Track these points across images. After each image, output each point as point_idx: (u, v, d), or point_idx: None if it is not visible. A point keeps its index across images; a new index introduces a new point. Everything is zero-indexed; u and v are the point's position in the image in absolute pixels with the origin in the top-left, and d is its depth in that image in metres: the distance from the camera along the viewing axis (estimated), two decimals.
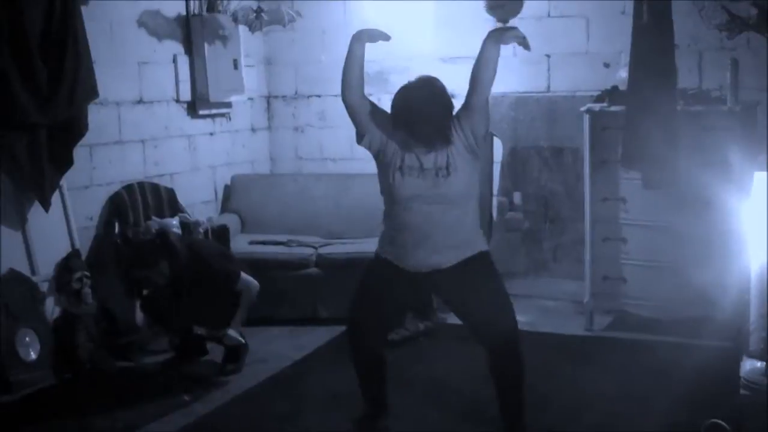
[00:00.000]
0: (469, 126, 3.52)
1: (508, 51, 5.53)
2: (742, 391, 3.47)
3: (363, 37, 3.57)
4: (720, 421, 3.43)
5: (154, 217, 5.69)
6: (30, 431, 4.20)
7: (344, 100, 3.60)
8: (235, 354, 4.96)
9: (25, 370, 4.70)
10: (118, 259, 5.37)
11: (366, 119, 3.60)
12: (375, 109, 3.63)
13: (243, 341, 4.91)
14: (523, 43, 3.52)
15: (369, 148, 3.64)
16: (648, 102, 4.83)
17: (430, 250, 3.56)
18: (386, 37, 3.62)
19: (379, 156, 3.62)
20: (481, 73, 3.50)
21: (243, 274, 4.86)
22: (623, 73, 5.39)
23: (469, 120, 3.52)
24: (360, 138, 3.64)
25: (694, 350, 4.84)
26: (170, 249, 4.74)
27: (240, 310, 4.86)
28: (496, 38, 3.47)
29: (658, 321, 5.26)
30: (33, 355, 4.77)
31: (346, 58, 3.57)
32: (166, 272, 4.72)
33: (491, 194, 6.49)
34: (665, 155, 4.84)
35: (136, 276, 4.84)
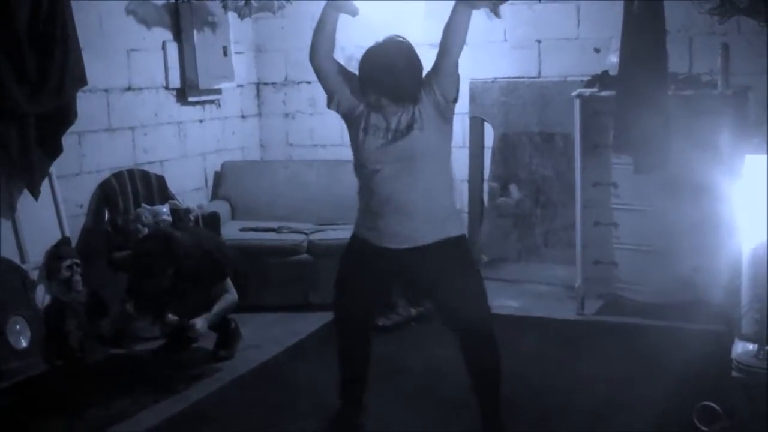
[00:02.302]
0: (439, 89, 3.48)
1: (498, 36, 5.50)
2: (734, 374, 3.47)
3: (336, 6, 3.56)
4: (712, 404, 3.44)
5: (144, 205, 5.67)
6: (21, 419, 4.18)
7: (313, 64, 3.59)
8: (228, 340, 4.95)
9: (16, 357, 4.68)
10: (109, 249, 5.35)
11: (334, 81, 3.58)
12: (343, 71, 3.61)
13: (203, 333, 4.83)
14: (495, 10, 3.50)
15: (338, 110, 3.62)
16: (639, 87, 4.82)
17: (401, 219, 3.52)
18: (355, 12, 3.60)
19: (348, 118, 3.61)
20: (450, 37, 3.46)
21: (228, 281, 4.83)
22: (614, 58, 5.39)
23: (439, 83, 3.49)
24: (330, 101, 3.63)
25: (686, 334, 4.85)
26: (176, 255, 4.63)
27: (212, 312, 4.79)
28: (467, 3, 3.45)
29: (650, 305, 5.27)
30: (24, 343, 4.75)
31: (318, 24, 3.56)
32: (171, 274, 4.64)
33: (482, 180, 6.50)
34: (656, 140, 4.85)
35: (141, 285, 4.74)
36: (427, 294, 3.88)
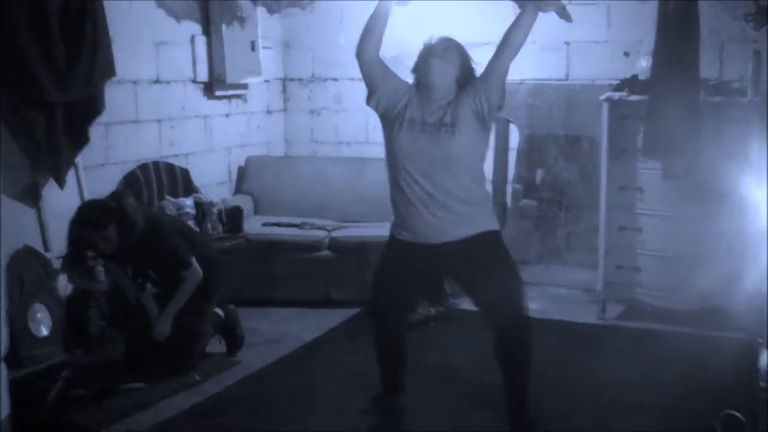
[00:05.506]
0: (485, 92, 3.49)
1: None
2: (761, 384, 3.42)
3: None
4: (736, 413, 3.40)
5: (168, 197, 5.70)
6: (40, 407, 4.18)
7: (360, 55, 3.60)
8: (231, 333, 4.94)
9: (37, 345, 4.72)
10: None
11: (378, 76, 3.61)
12: (387, 70, 3.65)
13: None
14: (564, 14, 3.51)
15: (377, 108, 3.64)
16: (671, 92, 4.78)
17: (432, 217, 3.53)
18: (404, 2, 3.66)
19: (385, 115, 3.63)
20: (511, 37, 3.47)
21: (194, 262, 4.61)
22: (643, 63, 5.35)
23: (486, 85, 3.50)
24: (369, 97, 3.65)
25: (709, 342, 4.82)
26: (123, 213, 4.41)
27: (178, 295, 4.63)
28: (535, 5, 3.47)
29: (672, 311, 5.23)
30: (45, 331, 4.79)
31: (372, 15, 3.57)
32: (114, 238, 4.41)
33: (506, 181, 6.47)
34: (687, 146, 4.80)
35: (80, 235, 4.46)
36: (465, 287, 3.88)
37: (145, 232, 4.49)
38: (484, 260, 3.61)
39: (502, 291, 3.62)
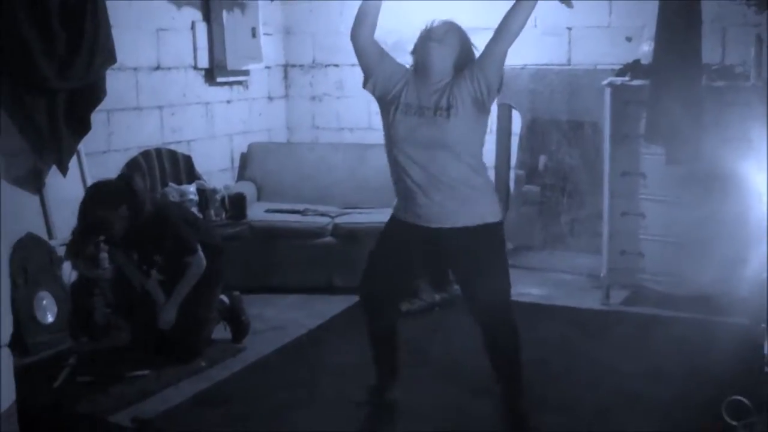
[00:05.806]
0: (483, 76, 3.46)
1: (529, 22, 5.45)
2: (767, 369, 3.43)
3: None
4: (742, 398, 3.40)
5: (171, 184, 5.69)
6: (46, 394, 4.20)
7: (355, 38, 3.56)
8: (236, 319, 4.95)
9: (42, 332, 4.73)
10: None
11: (374, 59, 3.58)
12: (383, 53, 3.62)
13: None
14: (565, 0, 3.50)
15: (373, 91, 3.62)
16: (673, 77, 4.77)
17: (432, 199, 3.51)
18: None
19: (382, 99, 3.61)
20: (510, 21, 3.43)
21: (199, 248, 4.59)
22: (646, 47, 5.34)
23: (483, 70, 3.47)
24: (366, 81, 3.63)
25: (713, 327, 4.81)
26: (134, 193, 4.44)
27: (183, 282, 4.62)
28: None
29: (676, 297, 5.23)
30: (50, 318, 4.80)
31: (364, 1, 3.54)
32: (125, 218, 4.42)
33: (509, 167, 6.47)
34: (689, 131, 4.80)
35: (93, 215, 4.44)
36: (457, 277, 3.89)
37: (151, 218, 4.51)
38: (481, 258, 3.59)
39: (491, 292, 3.62)
